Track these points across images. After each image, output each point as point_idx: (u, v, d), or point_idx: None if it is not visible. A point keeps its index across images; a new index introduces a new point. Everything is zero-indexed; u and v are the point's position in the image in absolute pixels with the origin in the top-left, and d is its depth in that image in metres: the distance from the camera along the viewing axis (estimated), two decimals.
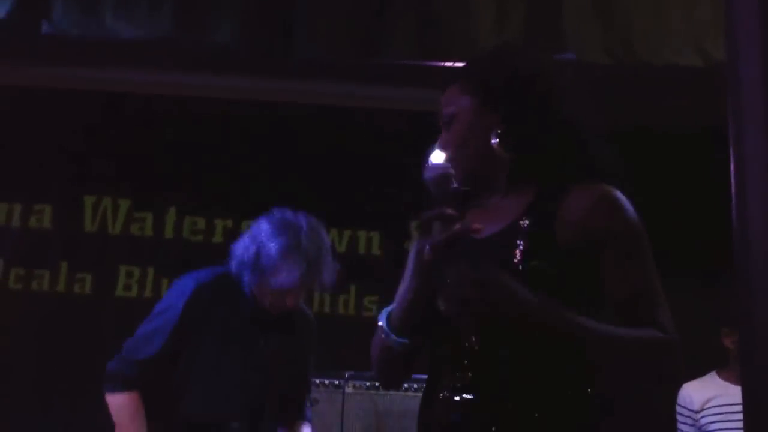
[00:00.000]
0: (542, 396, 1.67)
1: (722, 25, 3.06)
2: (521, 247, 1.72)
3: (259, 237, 3.01)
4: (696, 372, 3.68)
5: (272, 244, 2.97)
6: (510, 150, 1.79)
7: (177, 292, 3.04)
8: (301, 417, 3.27)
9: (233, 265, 3.04)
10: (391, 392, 3.81)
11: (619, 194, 1.76)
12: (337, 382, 3.47)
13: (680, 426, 3.66)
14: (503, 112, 1.79)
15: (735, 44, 1.77)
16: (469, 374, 1.71)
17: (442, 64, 3.16)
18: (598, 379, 1.72)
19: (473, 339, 1.73)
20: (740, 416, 1.56)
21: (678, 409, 3.64)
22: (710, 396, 3.59)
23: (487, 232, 1.81)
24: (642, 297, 1.71)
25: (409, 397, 3.78)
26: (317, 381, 3.72)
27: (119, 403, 3.07)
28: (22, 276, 4.85)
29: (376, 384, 3.79)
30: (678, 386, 3.56)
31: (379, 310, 5.66)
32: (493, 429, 1.65)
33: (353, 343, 4.52)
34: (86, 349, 3.28)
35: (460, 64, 1.97)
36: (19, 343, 4.65)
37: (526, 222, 1.74)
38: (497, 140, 1.78)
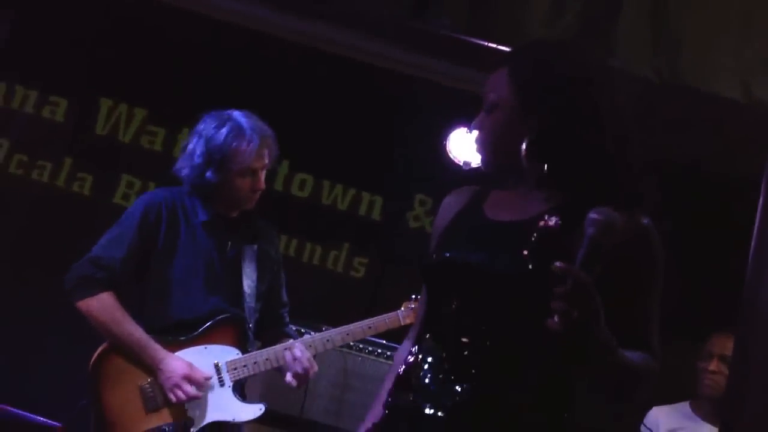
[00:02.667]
0: (516, 378, 1.72)
1: None
2: (535, 244, 1.71)
3: (202, 137, 3.15)
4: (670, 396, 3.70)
5: (219, 134, 3.11)
6: (541, 158, 1.77)
7: (137, 202, 3.24)
8: (284, 330, 3.29)
9: (187, 179, 3.16)
10: (363, 354, 3.83)
11: (648, 224, 1.75)
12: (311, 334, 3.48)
13: None
14: (541, 119, 1.77)
15: None
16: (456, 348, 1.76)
17: (487, 44, 3.14)
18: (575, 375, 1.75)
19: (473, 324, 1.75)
20: None
21: (642, 429, 3.67)
22: (677, 426, 3.62)
23: (504, 217, 1.81)
24: (643, 323, 1.74)
25: (380, 362, 3.80)
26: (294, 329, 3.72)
27: (100, 304, 3.06)
28: (24, 162, 4.83)
29: (350, 343, 3.81)
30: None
31: (366, 273, 5.60)
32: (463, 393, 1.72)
33: (335, 299, 4.54)
34: (74, 247, 3.28)
35: (509, 50, 1.94)
36: (8, 230, 4.65)
37: (547, 222, 1.73)
38: (525, 149, 1.77)
